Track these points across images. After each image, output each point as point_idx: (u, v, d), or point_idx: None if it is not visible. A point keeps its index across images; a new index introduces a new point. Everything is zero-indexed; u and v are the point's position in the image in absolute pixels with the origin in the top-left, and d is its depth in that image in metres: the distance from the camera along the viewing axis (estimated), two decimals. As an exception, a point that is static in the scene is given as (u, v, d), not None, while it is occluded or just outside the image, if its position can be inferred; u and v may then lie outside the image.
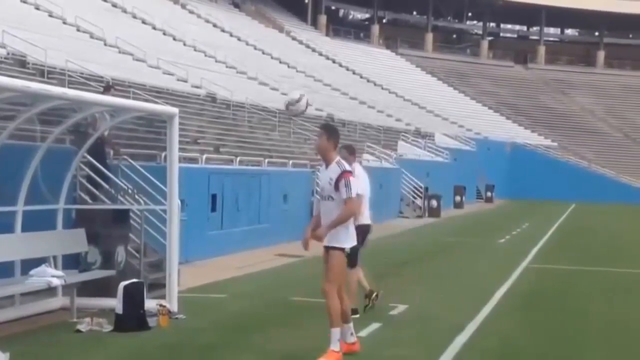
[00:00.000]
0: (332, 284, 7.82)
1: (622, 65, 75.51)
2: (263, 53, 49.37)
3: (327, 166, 7.94)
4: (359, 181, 9.22)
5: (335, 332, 7.79)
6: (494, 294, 12.69)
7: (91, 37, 31.29)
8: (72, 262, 10.85)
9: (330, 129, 8.13)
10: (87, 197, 12.61)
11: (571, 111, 67.19)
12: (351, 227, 7.95)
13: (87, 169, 12.70)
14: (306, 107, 8.58)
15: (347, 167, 7.93)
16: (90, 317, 9.49)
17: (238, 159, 20.73)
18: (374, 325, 9.80)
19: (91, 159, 12.58)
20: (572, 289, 13.97)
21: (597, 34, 79.72)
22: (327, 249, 7.87)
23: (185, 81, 30.14)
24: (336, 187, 7.77)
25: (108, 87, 14.39)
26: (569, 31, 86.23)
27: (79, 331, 9.15)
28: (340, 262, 7.87)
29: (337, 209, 7.79)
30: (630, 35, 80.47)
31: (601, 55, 76.93)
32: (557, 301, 12.53)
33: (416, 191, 33.90)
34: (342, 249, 7.84)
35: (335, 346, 7.75)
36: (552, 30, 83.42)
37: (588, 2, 73.24)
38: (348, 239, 7.89)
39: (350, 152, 9.86)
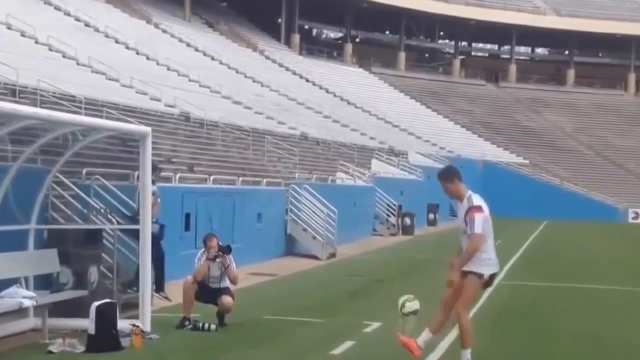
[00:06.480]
0: (463, 306, 8.12)
1: (592, 83, 76.51)
2: (237, 72, 49.43)
3: (461, 202, 8.18)
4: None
5: (465, 353, 8.01)
6: (466, 311, 12.75)
7: (63, 56, 31.19)
8: (44, 282, 10.78)
9: (441, 175, 8.32)
10: (58, 217, 12.54)
11: (543, 129, 67.81)
12: (486, 255, 8.13)
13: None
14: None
15: (475, 202, 8.04)
16: (62, 338, 9.44)
17: (212, 177, 20.71)
18: (348, 343, 9.83)
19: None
20: (543, 306, 14.10)
21: (567, 52, 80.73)
22: (465, 273, 8.10)
23: (159, 100, 30.08)
24: (465, 222, 8.06)
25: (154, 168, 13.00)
26: (539, 50, 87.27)
27: (50, 352, 9.09)
28: (474, 287, 8.14)
29: (467, 242, 8.09)
30: (600, 54, 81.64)
31: (571, 73, 77.86)
32: (528, 318, 12.63)
33: (390, 209, 34.01)
34: (480, 275, 8.08)
35: None
36: (522, 49, 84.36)
37: (558, 21, 74.27)
38: (484, 265, 8.12)
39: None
